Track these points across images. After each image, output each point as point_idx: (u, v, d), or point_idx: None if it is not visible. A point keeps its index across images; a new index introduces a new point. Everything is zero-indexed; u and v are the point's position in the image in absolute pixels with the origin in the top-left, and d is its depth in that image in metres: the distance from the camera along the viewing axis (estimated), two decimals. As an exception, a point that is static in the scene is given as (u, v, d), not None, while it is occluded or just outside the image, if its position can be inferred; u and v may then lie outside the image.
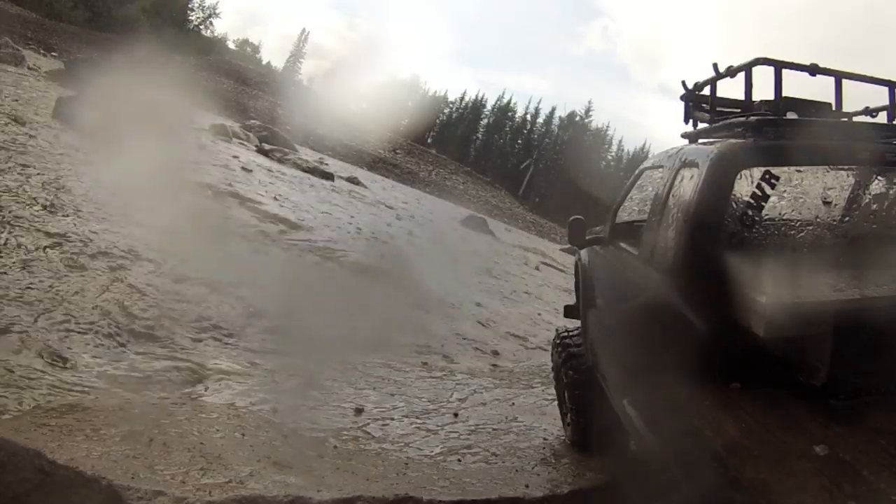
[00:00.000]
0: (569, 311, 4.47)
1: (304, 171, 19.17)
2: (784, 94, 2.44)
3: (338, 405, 4.11)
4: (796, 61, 2.48)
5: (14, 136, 8.35)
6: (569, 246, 9.99)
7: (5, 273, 4.46)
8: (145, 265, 5.68)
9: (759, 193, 2.30)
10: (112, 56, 18.93)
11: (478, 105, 67.53)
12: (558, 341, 4.19)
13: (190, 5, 61.35)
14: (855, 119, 2.75)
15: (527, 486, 3.40)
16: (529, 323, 8.64)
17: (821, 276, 2.09)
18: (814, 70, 2.53)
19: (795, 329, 1.96)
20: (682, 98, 3.01)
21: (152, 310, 4.78)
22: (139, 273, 5.46)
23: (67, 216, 6.17)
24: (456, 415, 4.32)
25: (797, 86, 2.50)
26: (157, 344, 4.36)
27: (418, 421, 4.12)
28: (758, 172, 2.31)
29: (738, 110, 2.68)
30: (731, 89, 2.77)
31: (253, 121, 28.07)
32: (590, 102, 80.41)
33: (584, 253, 4.14)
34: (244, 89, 46.25)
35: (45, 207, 6.12)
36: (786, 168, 2.37)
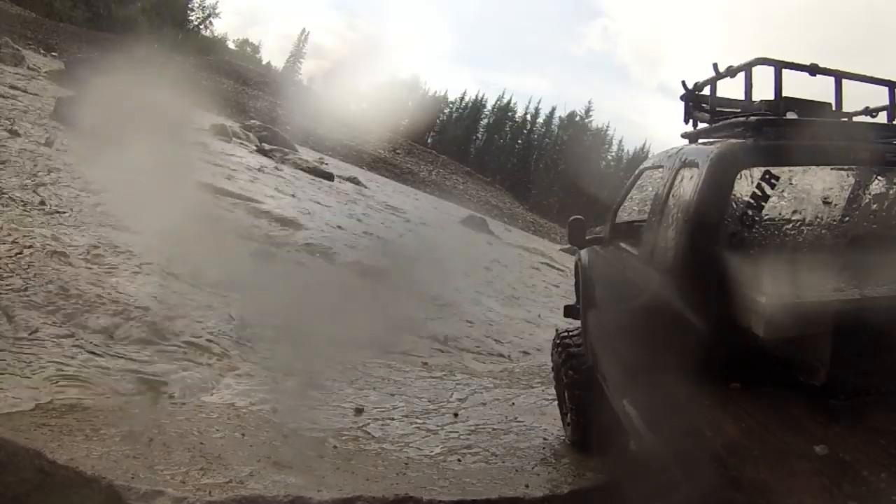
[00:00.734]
0: (569, 311, 4.47)
1: (304, 171, 19.19)
2: (784, 94, 2.43)
3: (338, 405, 4.11)
4: (796, 61, 2.48)
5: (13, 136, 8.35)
6: (569, 246, 10.00)
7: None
8: (144, 265, 5.67)
9: (759, 193, 2.30)
10: (112, 56, 18.93)
11: (478, 105, 67.59)
12: (558, 341, 4.19)
13: (190, 5, 61.44)
14: (855, 119, 2.75)
15: (527, 486, 3.40)
16: (529, 323, 8.64)
17: (821, 276, 2.09)
18: (814, 70, 2.53)
19: (795, 329, 1.96)
20: (682, 98, 3.01)
21: (151, 310, 4.78)
22: (138, 273, 5.45)
23: (63, 214, 6.17)
24: (456, 415, 4.32)
25: (797, 86, 2.50)
26: (156, 344, 4.36)
27: (418, 421, 4.12)
28: (758, 172, 2.31)
29: (738, 110, 2.68)
30: (731, 89, 2.77)
31: (253, 121, 28.12)
32: (590, 102, 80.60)
33: (584, 253, 4.14)
34: (244, 89, 46.28)
35: (37, 206, 6.12)
36: (786, 168, 2.36)
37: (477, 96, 68.70)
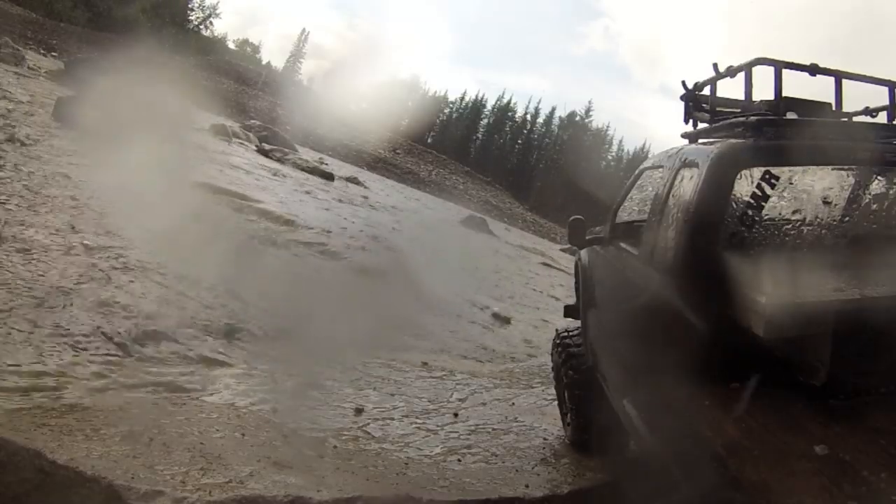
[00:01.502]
0: (569, 311, 4.47)
1: (304, 170, 19.20)
2: (784, 94, 2.43)
3: (338, 405, 4.11)
4: (796, 61, 2.48)
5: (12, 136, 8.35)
6: (569, 246, 10.00)
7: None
8: (143, 265, 5.67)
9: (759, 193, 2.30)
10: (112, 56, 18.93)
11: (478, 105, 67.63)
12: (558, 341, 4.19)
13: (190, 5, 61.47)
14: (855, 119, 2.75)
15: (527, 486, 3.40)
16: (528, 323, 8.64)
17: (821, 276, 2.09)
18: (814, 70, 2.53)
19: (795, 329, 1.96)
20: (682, 98, 3.01)
21: (150, 310, 4.78)
22: (136, 273, 5.45)
23: (62, 213, 6.18)
24: (456, 415, 4.32)
25: (797, 86, 2.50)
26: (155, 344, 4.36)
27: (418, 421, 4.12)
28: (758, 172, 2.31)
29: (738, 110, 2.68)
30: (731, 89, 2.77)
31: (253, 121, 28.13)
32: (590, 102, 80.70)
33: (584, 253, 4.14)
34: (244, 89, 46.30)
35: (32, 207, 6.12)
36: (786, 168, 2.36)
37: (477, 96, 68.88)
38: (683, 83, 2.97)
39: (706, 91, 2.88)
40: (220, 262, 6.30)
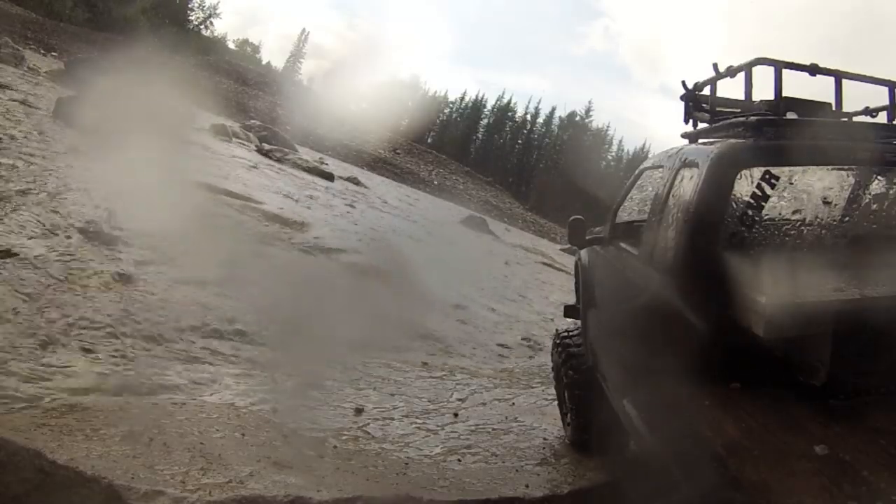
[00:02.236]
0: (569, 311, 4.47)
1: (305, 170, 19.18)
2: (784, 94, 2.43)
3: (338, 405, 4.11)
4: (796, 61, 2.48)
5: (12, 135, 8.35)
6: (569, 246, 9.99)
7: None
8: (143, 265, 5.68)
9: (759, 193, 2.30)
10: (112, 56, 18.94)
11: (478, 105, 67.66)
12: (558, 341, 4.19)
13: (190, 5, 61.53)
14: (855, 119, 2.75)
15: (527, 486, 3.40)
16: (528, 323, 8.64)
17: (821, 276, 2.09)
18: (814, 70, 2.53)
19: (795, 329, 1.96)
20: (682, 98, 3.01)
21: (151, 310, 4.78)
22: (136, 273, 5.45)
23: (62, 213, 6.18)
24: (456, 415, 4.32)
25: (797, 86, 2.50)
26: (155, 344, 4.36)
27: (418, 421, 4.12)
28: (758, 172, 2.31)
29: (738, 110, 2.68)
30: (731, 89, 2.77)
31: (253, 121, 28.13)
32: (590, 102, 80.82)
33: (584, 253, 4.14)
34: (244, 89, 46.29)
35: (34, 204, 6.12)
36: (786, 168, 2.36)
37: (477, 96, 68.94)
38: (683, 83, 2.97)
39: (706, 91, 2.88)
40: (219, 261, 6.29)
